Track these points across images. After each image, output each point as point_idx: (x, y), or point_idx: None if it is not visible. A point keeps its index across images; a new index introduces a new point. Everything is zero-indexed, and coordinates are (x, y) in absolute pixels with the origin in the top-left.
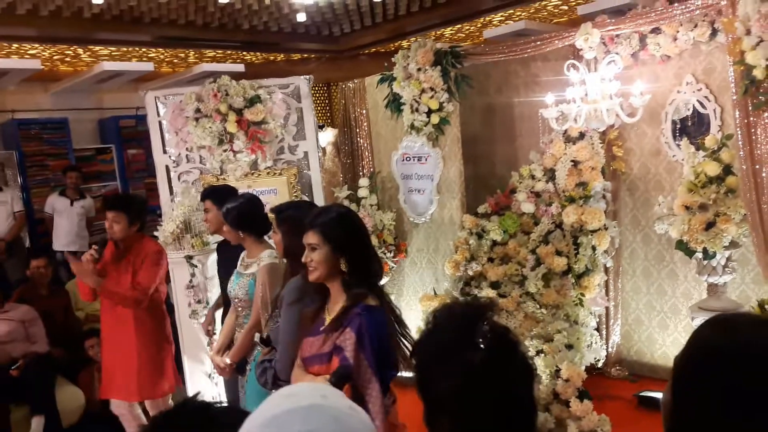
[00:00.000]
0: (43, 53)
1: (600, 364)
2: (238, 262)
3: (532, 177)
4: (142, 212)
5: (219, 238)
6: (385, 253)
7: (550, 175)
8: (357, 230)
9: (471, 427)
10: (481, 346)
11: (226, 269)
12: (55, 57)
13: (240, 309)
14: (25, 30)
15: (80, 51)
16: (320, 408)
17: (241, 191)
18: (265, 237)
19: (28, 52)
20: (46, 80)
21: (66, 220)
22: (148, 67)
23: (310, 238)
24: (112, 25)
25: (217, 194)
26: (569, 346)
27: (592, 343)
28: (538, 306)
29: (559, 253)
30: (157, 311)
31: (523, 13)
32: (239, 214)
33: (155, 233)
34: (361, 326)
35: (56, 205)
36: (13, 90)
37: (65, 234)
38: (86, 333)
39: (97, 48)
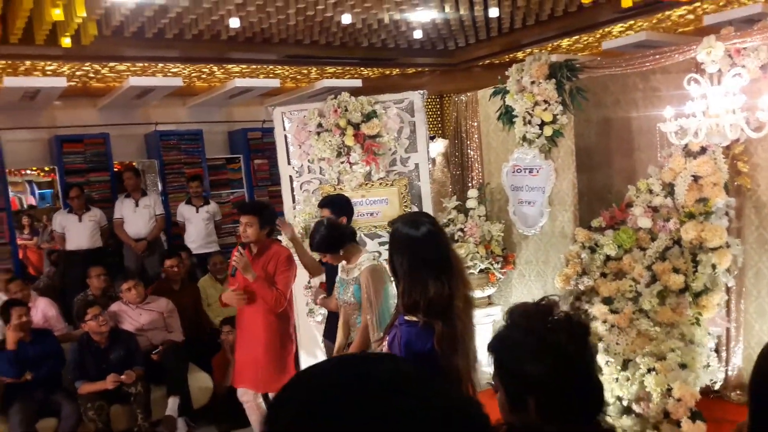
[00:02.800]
0: (184, 71)
1: (718, 387)
2: (339, 269)
3: (650, 191)
4: (271, 217)
5: None
6: (492, 264)
7: (669, 190)
8: (410, 256)
9: (557, 403)
10: (563, 331)
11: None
12: (193, 75)
13: (350, 312)
14: (171, 52)
15: (215, 69)
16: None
17: (354, 200)
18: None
19: (171, 70)
20: (184, 95)
21: (194, 226)
22: (275, 83)
23: None
24: (245, 45)
25: (333, 203)
26: (683, 366)
27: (708, 364)
28: (651, 324)
29: (676, 270)
30: (283, 311)
31: (645, 24)
32: (327, 242)
33: (279, 237)
34: (394, 337)
35: (184, 213)
36: (156, 104)
37: (195, 238)
38: (223, 320)
39: (230, 66)
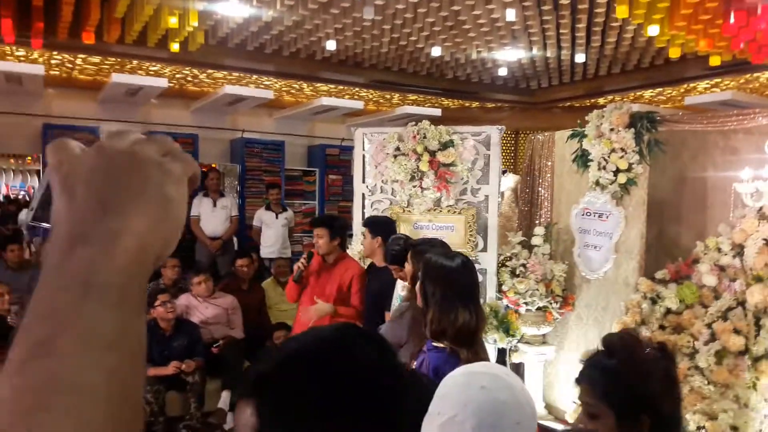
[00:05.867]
0: (275, 85)
1: None
2: (397, 287)
3: (719, 250)
4: (342, 230)
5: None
6: (551, 303)
7: (738, 250)
8: (442, 285)
9: (669, 416)
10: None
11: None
12: (283, 89)
13: None
14: (267, 66)
15: (305, 86)
16: (500, 378)
17: (422, 223)
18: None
19: (264, 83)
20: (272, 107)
21: (272, 231)
22: (359, 105)
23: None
24: (336, 66)
25: (373, 223)
26: (734, 429)
27: (761, 430)
28: (706, 382)
29: (737, 331)
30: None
31: (732, 83)
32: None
33: (347, 250)
34: (422, 362)
35: (264, 218)
36: (244, 112)
37: (272, 243)
38: (276, 326)
39: (319, 84)
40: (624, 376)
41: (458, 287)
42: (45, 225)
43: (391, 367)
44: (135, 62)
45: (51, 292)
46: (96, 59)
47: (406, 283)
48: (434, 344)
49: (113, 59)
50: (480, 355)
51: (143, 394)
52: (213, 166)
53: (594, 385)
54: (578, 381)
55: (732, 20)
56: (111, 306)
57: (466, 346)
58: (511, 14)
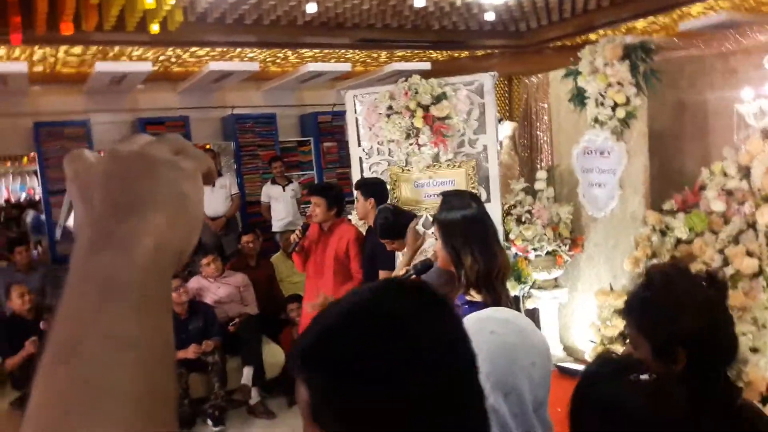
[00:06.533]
0: (260, 56)
1: None
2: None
3: (725, 174)
4: (339, 198)
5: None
6: (560, 246)
7: (745, 172)
8: (470, 230)
9: (708, 354)
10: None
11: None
12: (268, 59)
13: None
14: (249, 37)
15: (289, 54)
16: (510, 322)
17: (422, 181)
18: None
19: (248, 55)
20: (259, 80)
21: (282, 204)
22: (346, 67)
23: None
24: (319, 30)
25: (363, 185)
26: (754, 350)
27: None
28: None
29: (750, 254)
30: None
31: (727, 3)
32: (394, 228)
33: (349, 216)
34: None
35: (271, 193)
36: (231, 87)
37: (284, 216)
38: (288, 298)
39: (304, 51)
40: (656, 308)
41: (474, 234)
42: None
43: (436, 319)
44: (117, 48)
45: (75, 296)
46: (77, 50)
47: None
48: (467, 298)
49: (95, 48)
50: (502, 302)
51: (175, 392)
52: (207, 146)
53: (630, 316)
54: (621, 312)
55: None
56: (134, 306)
57: (494, 293)
58: None
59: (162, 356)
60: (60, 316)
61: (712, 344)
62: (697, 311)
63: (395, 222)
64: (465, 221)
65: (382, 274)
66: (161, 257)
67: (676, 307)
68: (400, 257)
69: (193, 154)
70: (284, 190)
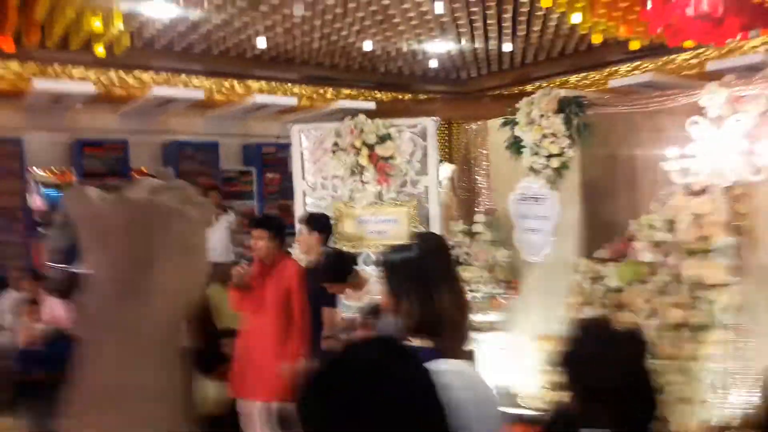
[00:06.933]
0: (206, 84)
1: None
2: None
3: (652, 227)
4: (281, 231)
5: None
6: (494, 289)
7: (670, 226)
8: (409, 273)
9: (629, 408)
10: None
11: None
12: (213, 88)
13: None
14: (196, 65)
15: (236, 84)
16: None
17: (365, 218)
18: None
19: (193, 83)
20: (204, 107)
21: (216, 235)
22: (293, 101)
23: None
24: (268, 64)
25: (309, 220)
26: (682, 400)
27: (706, 399)
28: (650, 357)
29: (676, 305)
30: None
31: (651, 65)
32: (335, 274)
33: (289, 249)
34: None
35: None
36: (175, 113)
37: (217, 246)
38: (223, 332)
39: (251, 82)
40: (580, 364)
41: (412, 277)
42: (62, 266)
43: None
44: (57, 66)
45: (108, 346)
46: (15, 65)
47: (357, 293)
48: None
49: (34, 65)
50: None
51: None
52: (143, 170)
53: (561, 368)
54: (552, 365)
55: (649, 6)
56: (158, 360)
57: (438, 339)
58: (439, 7)
59: (182, 409)
60: (94, 362)
61: (633, 399)
62: (616, 367)
63: (339, 267)
64: (403, 264)
65: (326, 312)
66: (175, 309)
67: (597, 364)
68: (342, 298)
69: (199, 202)
70: (216, 220)
